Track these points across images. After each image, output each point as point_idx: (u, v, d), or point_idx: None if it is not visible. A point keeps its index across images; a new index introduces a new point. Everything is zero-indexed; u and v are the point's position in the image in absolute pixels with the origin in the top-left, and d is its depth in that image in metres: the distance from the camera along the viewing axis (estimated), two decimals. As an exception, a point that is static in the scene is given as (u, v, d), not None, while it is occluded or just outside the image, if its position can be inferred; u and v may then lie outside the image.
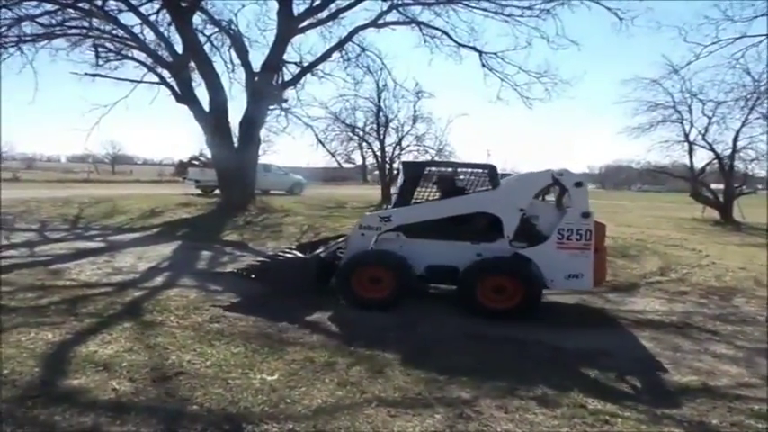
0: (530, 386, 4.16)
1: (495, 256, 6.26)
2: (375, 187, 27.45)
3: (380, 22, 14.78)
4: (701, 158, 22.45)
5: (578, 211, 6.16)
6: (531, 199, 6.46)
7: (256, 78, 15.75)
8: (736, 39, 12.60)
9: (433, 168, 7.12)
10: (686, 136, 21.79)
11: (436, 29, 14.25)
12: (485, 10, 12.96)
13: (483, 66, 14.09)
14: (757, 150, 21.27)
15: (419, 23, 14.42)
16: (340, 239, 8.18)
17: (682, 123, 21.77)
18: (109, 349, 4.62)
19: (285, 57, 16.33)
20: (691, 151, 21.97)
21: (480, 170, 6.66)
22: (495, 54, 13.96)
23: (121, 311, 5.88)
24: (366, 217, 6.83)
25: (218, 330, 5.33)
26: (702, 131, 21.37)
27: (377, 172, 27.06)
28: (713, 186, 22.60)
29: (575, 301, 7.19)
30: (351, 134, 24.58)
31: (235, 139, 15.88)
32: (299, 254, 7.26)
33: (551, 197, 7.06)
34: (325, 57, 15.92)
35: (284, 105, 17.78)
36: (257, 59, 16.36)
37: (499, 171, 6.63)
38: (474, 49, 14.00)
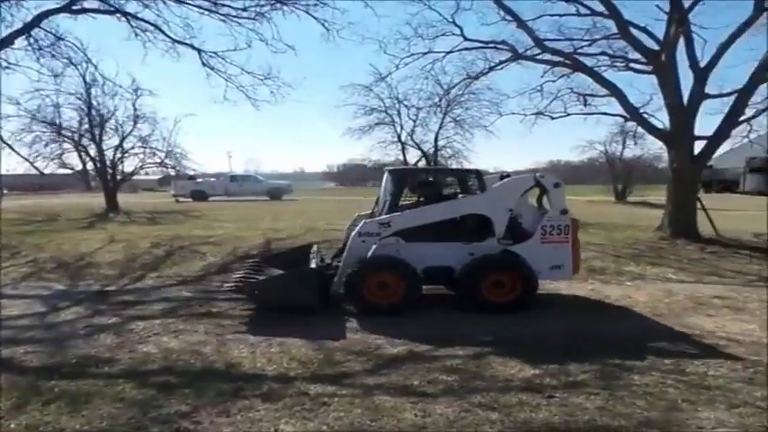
0: (257, 384, 4.18)
1: (490, 254, 6.58)
2: (99, 194, 24.24)
3: (75, 8, 12.86)
4: (414, 156, 25.85)
5: (557, 209, 6.76)
6: (517, 200, 6.85)
7: None
8: (424, 53, 14.75)
9: (421, 174, 7.60)
10: (398, 137, 24.85)
11: (146, 22, 13.07)
12: (199, 7, 12.43)
13: (204, 65, 13.54)
14: (453, 148, 25.52)
15: (125, 14, 13.03)
16: (313, 249, 7.70)
17: (393, 126, 24.73)
18: None
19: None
20: (404, 150, 25.14)
21: (467, 174, 7.15)
22: (215, 53, 13.48)
23: None
24: (366, 224, 6.76)
25: None
26: (410, 133, 24.62)
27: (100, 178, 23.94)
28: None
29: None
30: (58, 135, 21.18)
31: None
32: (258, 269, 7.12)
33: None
34: (6, 43, 13.12)
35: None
36: None
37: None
38: (192, 46, 13.28)
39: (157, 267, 9.01)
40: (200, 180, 32.94)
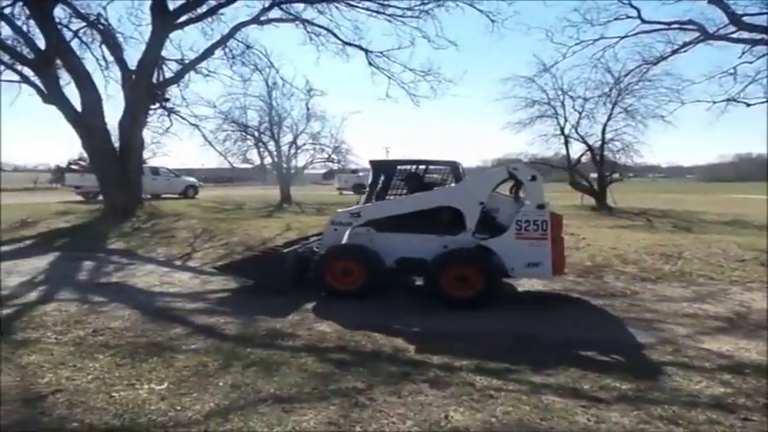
0: (423, 370, 4.34)
1: (459, 248, 6.52)
2: (276, 187, 26.86)
3: (263, 19, 14.49)
4: (578, 150, 24.40)
5: (534, 203, 6.47)
6: (489, 193, 6.74)
7: (134, 76, 14.83)
8: (595, 40, 13.90)
9: (400, 166, 7.52)
10: (561, 129, 23.59)
11: (320, 27, 14.22)
12: (368, 9, 13.20)
13: (370, 64, 14.30)
14: (622, 141, 23.53)
15: (303, 21, 14.34)
16: (320, 235, 8.34)
17: (556, 118, 23.53)
18: (-30, 374, 4.19)
19: (165, 54, 15.52)
20: (566, 143, 23.82)
21: (444, 167, 7.28)
22: (380, 53, 14.18)
23: (-14, 331, 5.34)
24: (338, 213, 7.10)
25: (102, 343, 5.01)
26: (575, 125, 23.24)
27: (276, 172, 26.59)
28: (592, 175, 24.60)
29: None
30: (244, 133, 23.94)
31: (115, 141, 14.88)
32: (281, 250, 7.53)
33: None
34: (208, 54, 15.33)
35: (167, 105, 16.89)
36: (134, 56, 15.49)
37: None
38: (359, 47, 14.15)
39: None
40: (361, 174, 34.78)
